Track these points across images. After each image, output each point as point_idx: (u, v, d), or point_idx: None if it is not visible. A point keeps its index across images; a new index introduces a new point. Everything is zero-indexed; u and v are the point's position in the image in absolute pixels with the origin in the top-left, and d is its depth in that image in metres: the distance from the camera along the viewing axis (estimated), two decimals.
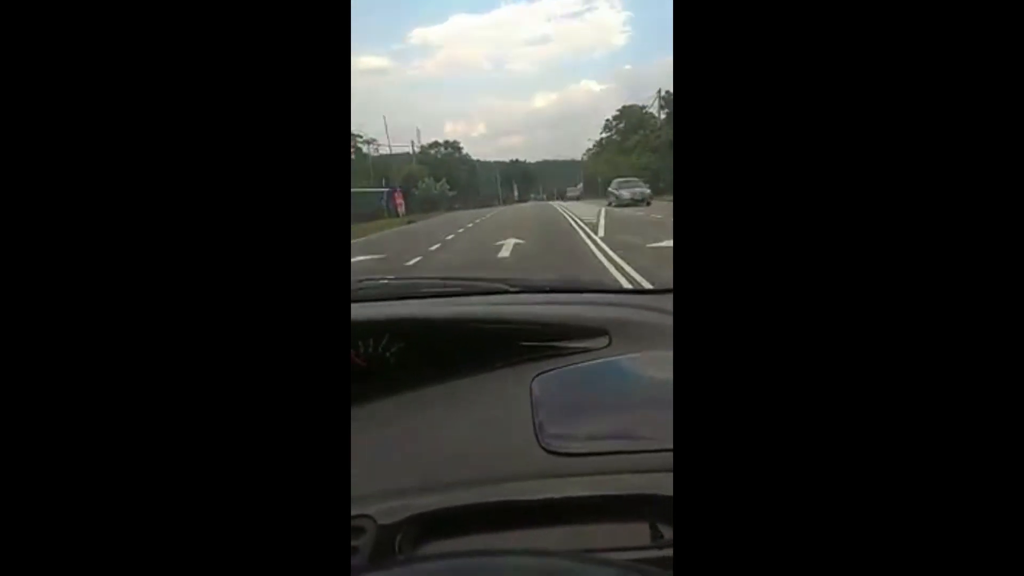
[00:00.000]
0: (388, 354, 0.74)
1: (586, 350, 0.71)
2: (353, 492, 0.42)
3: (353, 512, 0.42)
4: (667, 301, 0.87)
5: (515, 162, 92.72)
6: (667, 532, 0.40)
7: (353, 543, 0.42)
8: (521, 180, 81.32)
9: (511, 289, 0.91)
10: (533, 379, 0.63)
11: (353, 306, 0.71)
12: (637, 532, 0.42)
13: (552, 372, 0.65)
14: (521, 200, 74.21)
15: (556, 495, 0.45)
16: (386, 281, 1.11)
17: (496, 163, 77.21)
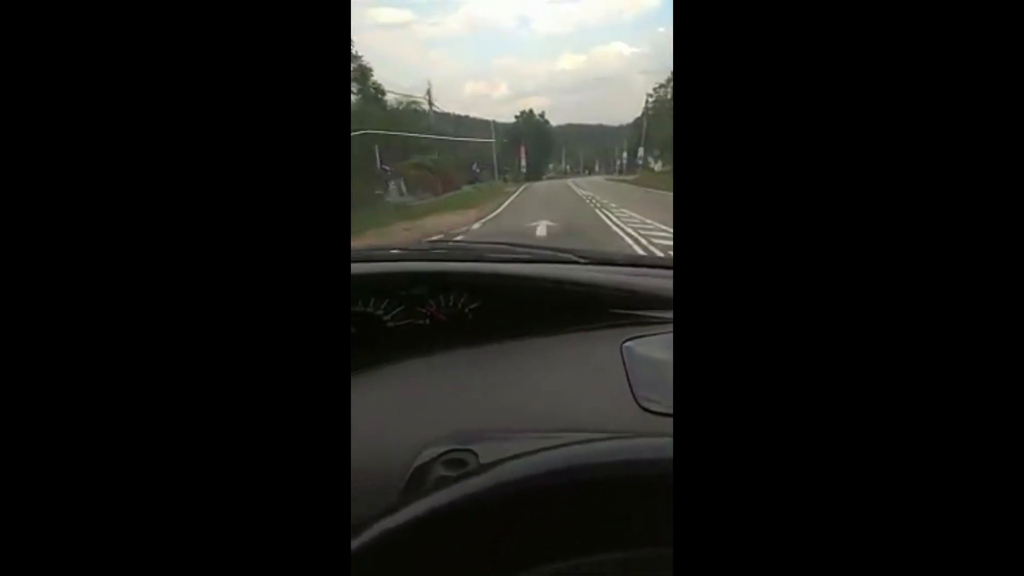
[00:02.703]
0: (467, 310, 0.75)
1: (669, 320, 0.70)
2: (454, 428, 0.43)
3: (457, 446, 0.44)
4: None
5: (527, 116, 57.49)
6: None
7: (455, 474, 0.43)
8: (537, 143, 52.69)
9: (580, 260, 0.89)
10: (623, 343, 0.63)
11: (426, 263, 0.78)
12: None
13: (644, 338, 0.65)
14: (532, 177, 43.78)
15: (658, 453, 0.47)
16: (454, 243, 1.13)
17: (492, 121, 40.69)
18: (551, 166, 64.58)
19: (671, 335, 0.64)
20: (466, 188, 22.88)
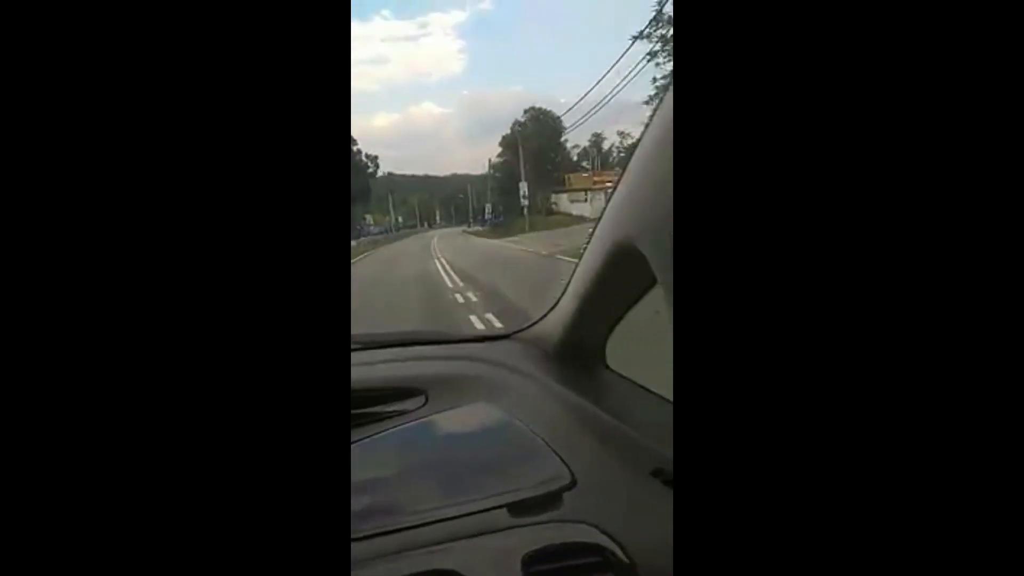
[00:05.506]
0: None
1: (402, 412, 0.70)
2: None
3: None
4: (490, 349, 0.89)
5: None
6: None
7: None
8: None
9: (355, 346, 0.88)
10: None
11: None
12: None
13: (365, 441, 0.64)
14: None
15: None
16: None
17: None
18: (368, 218, 40.24)
19: (393, 431, 0.64)
20: None
